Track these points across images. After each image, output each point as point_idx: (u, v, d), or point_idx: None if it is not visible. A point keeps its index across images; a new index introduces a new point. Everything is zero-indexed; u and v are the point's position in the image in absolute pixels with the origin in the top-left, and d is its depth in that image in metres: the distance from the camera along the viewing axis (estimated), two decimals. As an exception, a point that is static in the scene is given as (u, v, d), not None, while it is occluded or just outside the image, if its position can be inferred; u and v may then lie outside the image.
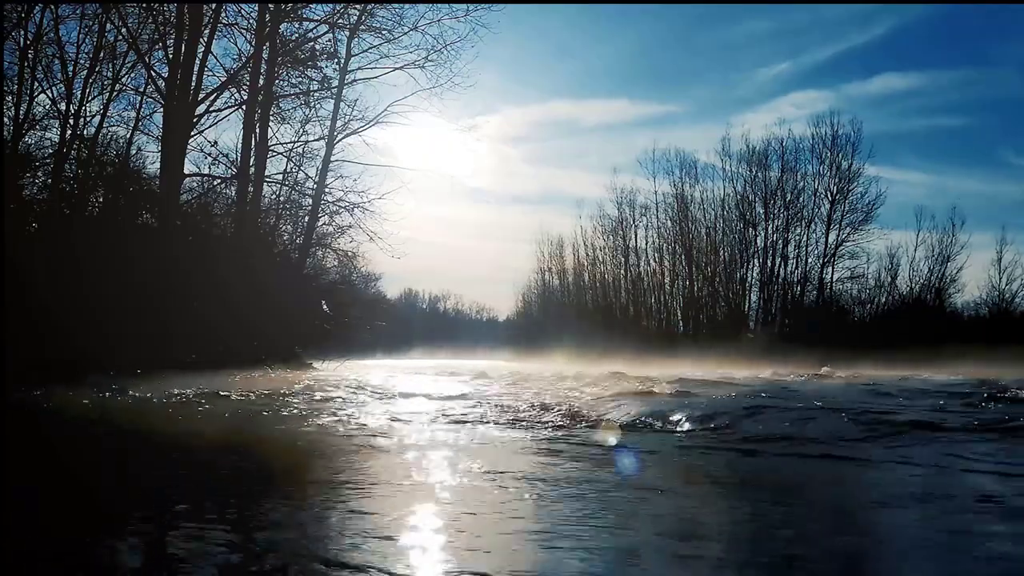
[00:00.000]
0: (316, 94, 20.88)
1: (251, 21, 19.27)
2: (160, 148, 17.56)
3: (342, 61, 20.62)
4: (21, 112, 15.57)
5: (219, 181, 20.01)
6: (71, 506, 3.63)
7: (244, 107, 19.30)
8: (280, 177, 21.96)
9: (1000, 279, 42.33)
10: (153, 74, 18.00)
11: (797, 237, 43.93)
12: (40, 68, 16.07)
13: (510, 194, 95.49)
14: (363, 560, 2.64)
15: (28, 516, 3.37)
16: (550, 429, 6.76)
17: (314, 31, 20.56)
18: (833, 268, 43.24)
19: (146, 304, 13.61)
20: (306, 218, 21.71)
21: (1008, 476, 4.53)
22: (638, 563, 2.76)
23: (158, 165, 17.64)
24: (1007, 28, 62.34)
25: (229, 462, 5.26)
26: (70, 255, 13.10)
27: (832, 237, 42.98)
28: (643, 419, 7.35)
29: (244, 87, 19.47)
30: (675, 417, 7.28)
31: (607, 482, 4.35)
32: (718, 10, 75.31)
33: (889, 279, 43.36)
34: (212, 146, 19.33)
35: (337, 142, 20.75)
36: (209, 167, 19.69)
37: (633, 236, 50.40)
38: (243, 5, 19.38)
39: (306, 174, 21.69)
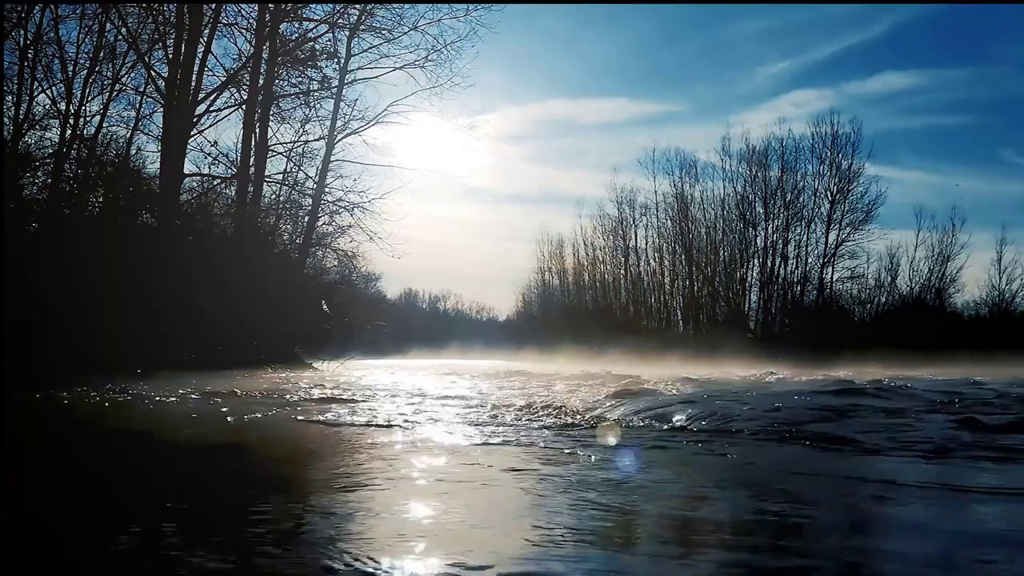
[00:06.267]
0: (316, 94, 20.95)
1: (251, 21, 19.32)
2: (160, 148, 17.60)
3: (342, 61, 20.67)
4: (21, 112, 15.61)
5: (219, 181, 20.05)
6: (72, 507, 3.63)
7: (244, 107, 19.34)
8: (280, 177, 22.03)
9: (1000, 279, 42.45)
10: (153, 74, 18.05)
11: (797, 237, 44.06)
12: (40, 68, 16.13)
13: (510, 193, 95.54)
14: (366, 564, 2.64)
15: (28, 517, 3.37)
16: (550, 428, 6.76)
17: (314, 31, 20.63)
18: (833, 268, 43.36)
19: (146, 304, 13.61)
20: (306, 218, 21.76)
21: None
22: (638, 566, 2.76)
23: (158, 165, 17.71)
24: (1008, 27, 62.46)
25: (229, 462, 5.25)
26: (70, 255, 13.09)
27: (832, 237, 43.10)
28: (643, 419, 7.35)
29: (244, 87, 19.52)
30: (675, 417, 7.28)
31: (607, 482, 4.34)
32: (717, 9, 75.37)
33: (889, 279, 43.51)
34: (212, 146, 19.40)
35: (337, 142, 20.80)
36: (209, 167, 19.74)
37: (633, 236, 50.56)
38: (243, 5, 19.44)
39: (306, 174, 21.75)
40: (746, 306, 45.24)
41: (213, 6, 18.30)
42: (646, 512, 3.65)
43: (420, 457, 5.25)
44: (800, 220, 43.99)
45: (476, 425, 7.01)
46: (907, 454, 5.30)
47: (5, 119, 14.96)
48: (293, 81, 20.94)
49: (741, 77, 77.71)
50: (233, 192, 20.06)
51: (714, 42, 79.02)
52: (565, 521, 3.30)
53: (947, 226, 42.85)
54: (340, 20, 20.17)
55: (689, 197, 47.37)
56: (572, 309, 53.09)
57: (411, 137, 22.49)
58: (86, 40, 16.84)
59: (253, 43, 19.09)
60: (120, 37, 17.22)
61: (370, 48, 20.80)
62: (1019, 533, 3.26)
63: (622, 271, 51.57)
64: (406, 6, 20.14)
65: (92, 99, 16.88)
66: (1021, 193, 64.28)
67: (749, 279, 45.15)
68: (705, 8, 75.41)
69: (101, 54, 16.95)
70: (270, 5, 19.21)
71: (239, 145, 19.46)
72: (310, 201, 21.51)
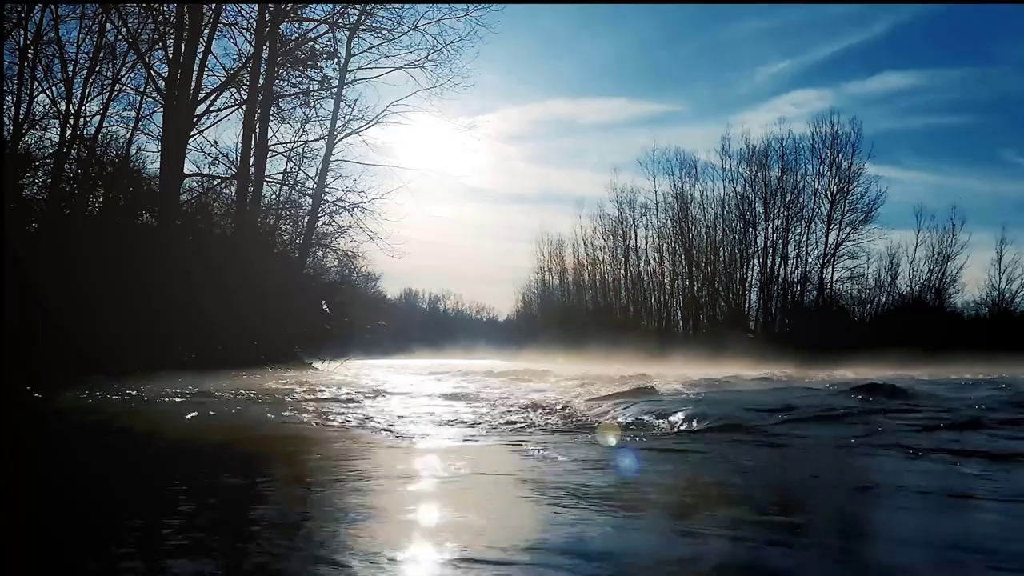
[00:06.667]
0: (316, 94, 20.92)
1: (251, 21, 19.29)
2: (160, 148, 17.57)
3: (342, 61, 20.65)
4: (21, 112, 15.60)
5: (219, 181, 20.02)
6: (73, 507, 3.63)
7: (244, 107, 19.32)
8: (280, 177, 21.99)
9: (1000, 279, 42.45)
10: (153, 74, 18.02)
11: (797, 237, 44.00)
12: (40, 68, 16.10)
13: (510, 193, 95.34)
14: (366, 562, 2.64)
15: (28, 517, 3.37)
16: (549, 429, 6.76)
17: (314, 31, 20.60)
18: (833, 268, 43.30)
19: (146, 304, 13.60)
20: (306, 218, 21.73)
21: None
22: (636, 568, 2.76)
23: (158, 165, 17.68)
24: (1009, 27, 62.42)
25: (229, 463, 5.26)
26: (70, 255, 13.10)
27: (832, 237, 43.05)
28: (643, 419, 7.35)
29: (244, 87, 19.49)
30: (675, 417, 7.28)
31: (606, 483, 4.34)
32: (717, 9, 75.28)
33: (889, 279, 43.47)
34: (212, 146, 19.36)
35: (337, 142, 20.77)
36: (209, 167, 19.71)
37: (633, 236, 50.50)
38: (243, 5, 19.40)
39: (306, 174, 21.72)
40: (746, 306, 45.23)
41: (213, 6, 18.29)
42: (644, 512, 3.65)
43: (416, 458, 5.25)
44: (800, 220, 43.99)
45: (474, 426, 7.01)
46: (904, 458, 5.30)
47: (5, 119, 14.96)
48: (293, 81, 20.95)
49: (741, 77, 77.67)
50: (233, 192, 20.04)
51: (714, 42, 78.94)
52: (560, 520, 3.30)
53: (947, 226, 42.87)
54: (340, 20, 20.17)
55: (689, 197, 47.38)
56: (572, 309, 53.07)
57: (411, 137, 22.47)
58: (86, 40, 16.84)
59: (253, 43, 19.07)
60: (120, 37, 17.21)
61: (370, 48, 20.80)
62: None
63: (622, 271, 51.59)
64: (406, 6, 20.13)
65: (92, 99, 16.88)
66: (1021, 193, 64.21)
67: (749, 279, 45.16)
68: (705, 8, 75.37)
69: (101, 54, 16.94)
70: (270, 5, 19.19)
71: (239, 145, 19.45)
72: (310, 201, 21.51)
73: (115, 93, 17.38)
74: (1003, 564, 2.73)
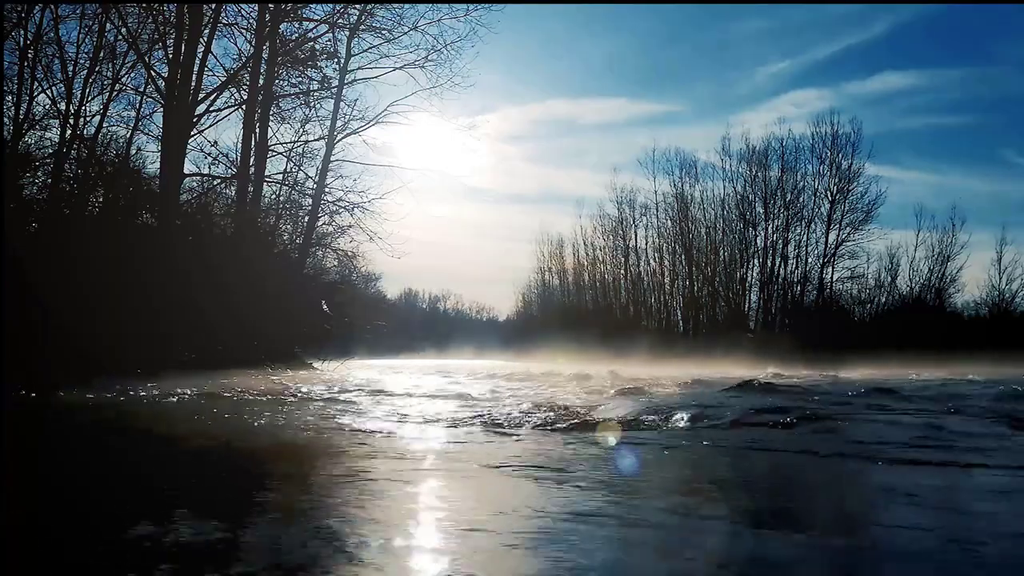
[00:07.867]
0: (316, 94, 20.90)
1: (251, 21, 19.28)
2: (160, 148, 17.55)
3: (342, 61, 20.64)
4: (21, 112, 15.59)
5: (219, 181, 20.01)
6: (73, 507, 3.63)
7: (244, 107, 19.30)
8: (280, 177, 21.97)
9: (1000, 279, 42.40)
10: (153, 74, 18.00)
11: (797, 237, 44.00)
12: (40, 68, 16.09)
13: (510, 193, 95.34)
14: (367, 560, 2.64)
15: (28, 517, 3.37)
16: (550, 429, 6.76)
17: (314, 31, 20.59)
18: (833, 268, 43.30)
19: (146, 304, 13.60)
20: (306, 218, 21.72)
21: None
22: (635, 567, 2.76)
23: (158, 165, 17.66)
24: (1009, 27, 62.39)
25: (228, 462, 5.26)
26: (70, 255, 13.09)
27: (832, 237, 43.04)
28: (643, 419, 7.35)
29: (244, 87, 19.47)
30: (675, 417, 7.29)
31: (606, 482, 4.35)
32: (717, 9, 75.25)
33: (889, 279, 43.44)
34: (212, 146, 19.34)
35: (337, 142, 20.76)
36: (209, 167, 19.69)
37: (633, 236, 50.53)
38: (243, 5, 19.38)
39: (306, 174, 21.70)
40: (746, 306, 45.24)
41: (213, 6, 18.28)
42: (644, 511, 3.66)
43: (418, 456, 5.25)
44: (800, 220, 44.00)
45: (474, 424, 7.01)
46: (903, 463, 5.31)
47: (5, 119, 14.95)
48: (293, 81, 20.93)
49: (741, 77, 77.69)
50: (233, 192, 20.03)
51: (714, 42, 78.95)
52: (560, 519, 3.30)
53: (947, 226, 42.85)
54: (340, 20, 20.16)
55: (689, 197, 47.41)
56: (572, 309, 53.07)
57: (411, 137, 22.44)
58: (86, 40, 16.82)
59: (253, 43, 19.06)
60: (120, 37, 17.19)
61: (370, 48, 20.79)
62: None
63: (622, 271, 51.61)
64: (406, 6, 20.11)
65: (92, 99, 16.85)
66: (1021, 193, 64.17)
67: (749, 279, 45.17)
68: (705, 8, 75.32)
69: (101, 54, 16.93)
70: (270, 5, 19.19)
71: (239, 145, 19.44)
72: (310, 201, 21.50)
73: (115, 93, 17.38)
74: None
